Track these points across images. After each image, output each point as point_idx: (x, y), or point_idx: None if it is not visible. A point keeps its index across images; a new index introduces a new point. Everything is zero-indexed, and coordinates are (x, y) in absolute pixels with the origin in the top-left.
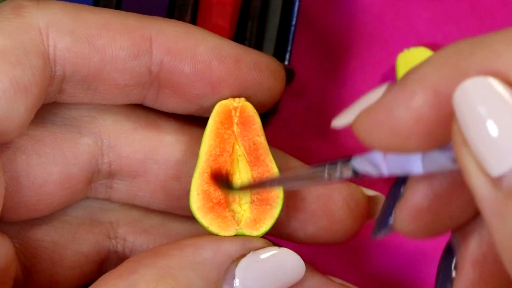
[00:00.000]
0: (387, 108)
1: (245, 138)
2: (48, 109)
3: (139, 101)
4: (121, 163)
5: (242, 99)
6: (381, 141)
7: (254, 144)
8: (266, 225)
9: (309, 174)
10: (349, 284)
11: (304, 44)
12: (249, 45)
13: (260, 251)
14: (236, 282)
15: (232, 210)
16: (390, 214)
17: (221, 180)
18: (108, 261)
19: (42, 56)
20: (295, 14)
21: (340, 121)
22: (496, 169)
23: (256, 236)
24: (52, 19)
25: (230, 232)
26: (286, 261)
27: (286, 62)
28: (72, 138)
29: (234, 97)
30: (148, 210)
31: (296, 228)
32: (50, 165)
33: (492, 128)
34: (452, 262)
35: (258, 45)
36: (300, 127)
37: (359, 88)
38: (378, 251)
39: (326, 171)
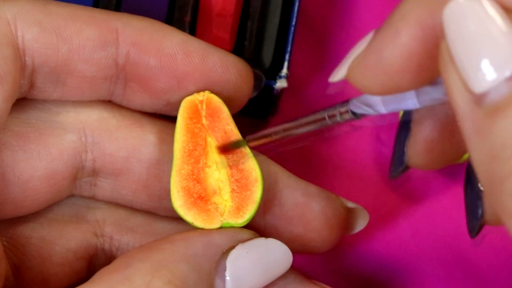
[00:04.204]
0: (376, 51)
1: (216, 129)
2: (33, 104)
3: (107, 97)
4: (105, 160)
5: (207, 92)
6: (375, 85)
7: (225, 133)
8: (249, 211)
9: (311, 120)
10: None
11: (304, 44)
12: (249, 45)
13: (248, 242)
14: (227, 273)
15: (214, 202)
16: (403, 152)
17: (228, 146)
18: (96, 259)
19: (12, 46)
20: (295, 14)
21: (336, 76)
22: (479, 86)
23: (242, 225)
24: (19, 10)
25: (215, 224)
26: (274, 251)
27: (286, 62)
28: (57, 134)
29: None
30: (133, 209)
31: (271, 233)
32: (35, 160)
33: (479, 45)
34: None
35: (258, 45)
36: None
37: None
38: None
39: (327, 115)
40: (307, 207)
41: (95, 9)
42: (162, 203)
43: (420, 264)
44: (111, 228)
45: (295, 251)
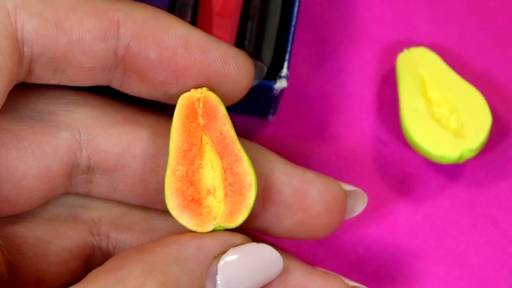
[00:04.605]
0: None
1: (212, 129)
2: (26, 104)
3: (105, 83)
4: (100, 157)
5: (204, 89)
6: None
7: (221, 134)
8: (242, 216)
9: None
10: (333, 273)
11: (304, 44)
12: (249, 45)
13: (240, 247)
14: (218, 278)
15: (208, 206)
16: None
17: None
18: (93, 258)
19: (11, 38)
20: (295, 14)
21: None
22: None
23: (234, 229)
24: (20, 0)
25: (208, 228)
26: (265, 256)
27: (286, 62)
28: (50, 132)
29: (197, 87)
30: (130, 207)
31: (272, 222)
32: (29, 159)
33: None
34: None
35: (258, 45)
36: (300, 127)
37: (359, 88)
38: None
39: None
40: (306, 192)
41: None
42: (159, 196)
43: (419, 264)
44: (107, 226)
45: (297, 238)
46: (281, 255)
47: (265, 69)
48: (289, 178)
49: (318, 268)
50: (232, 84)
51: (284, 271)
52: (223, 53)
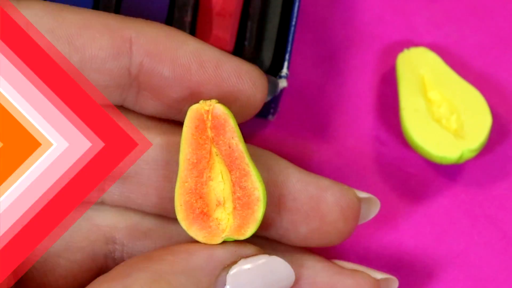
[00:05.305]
0: None
1: (220, 142)
2: None
3: (119, 103)
4: None
5: (213, 100)
6: None
7: (229, 147)
8: (250, 229)
9: None
10: (361, 267)
11: (304, 43)
12: (249, 45)
13: (251, 258)
14: None
15: (216, 219)
16: None
17: None
18: (106, 269)
19: None
20: (295, 14)
21: None
22: None
23: (246, 241)
24: (32, 18)
25: (217, 240)
26: (276, 268)
27: (286, 62)
28: None
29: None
30: (144, 214)
31: (288, 229)
32: None
33: None
34: None
35: (258, 45)
36: (300, 127)
37: (359, 88)
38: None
39: None
40: (322, 200)
41: (109, 15)
42: (173, 204)
43: (419, 264)
44: (123, 233)
45: (311, 245)
46: (309, 255)
47: (279, 83)
48: (304, 185)
49: (346, 263)
50: (246, 99)
51: (312, 272)
52: (237, 68)
